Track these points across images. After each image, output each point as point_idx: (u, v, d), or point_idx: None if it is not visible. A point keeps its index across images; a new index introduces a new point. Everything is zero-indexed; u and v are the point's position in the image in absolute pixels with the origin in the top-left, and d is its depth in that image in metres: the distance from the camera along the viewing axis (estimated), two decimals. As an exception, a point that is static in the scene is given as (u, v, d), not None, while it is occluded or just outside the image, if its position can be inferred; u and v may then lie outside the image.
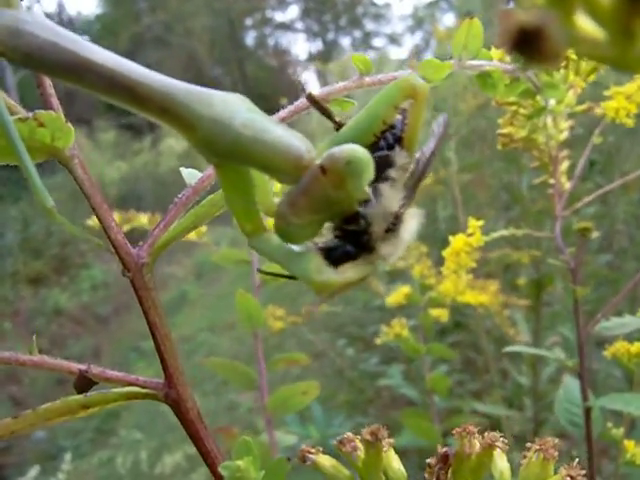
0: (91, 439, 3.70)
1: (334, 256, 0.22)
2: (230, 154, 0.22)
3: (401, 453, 1.19)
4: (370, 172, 0.20)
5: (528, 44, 0.12)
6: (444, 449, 0.31)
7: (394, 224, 0.22)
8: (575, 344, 0.59)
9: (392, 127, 0.22)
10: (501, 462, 0.32)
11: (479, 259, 1.14)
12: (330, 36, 25.78)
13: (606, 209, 1.77)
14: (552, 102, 0.44)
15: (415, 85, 0.22)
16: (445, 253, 0.64)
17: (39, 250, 6.51)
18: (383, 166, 0.22)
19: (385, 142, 0.22)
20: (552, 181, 0.59)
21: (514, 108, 0.48)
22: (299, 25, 25.82)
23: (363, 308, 2.30)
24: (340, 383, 2.52)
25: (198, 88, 0.24)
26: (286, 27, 26.03)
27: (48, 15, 16.35)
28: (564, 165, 0.59)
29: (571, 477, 0.30)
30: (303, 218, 0.21)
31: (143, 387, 0.32)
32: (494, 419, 1.21)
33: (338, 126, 0.25)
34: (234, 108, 0.23)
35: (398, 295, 1.11)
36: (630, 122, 0.56)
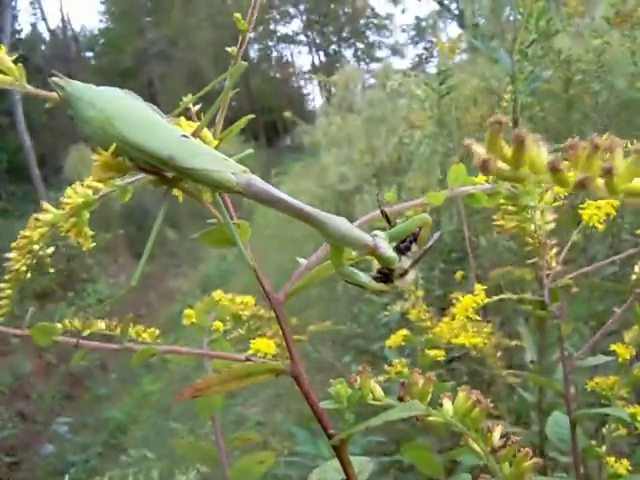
0: (99, 453, 3.70)
1: (377, 279, 0.45)
2: (340, 240, 0.45)
3: (408, 468, 1.18)
4: (392, 265, 0.44)
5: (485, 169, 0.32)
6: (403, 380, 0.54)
7: (403, 274, 0.44)
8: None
9: (414, 234, 0.44)
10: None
11: (480, 276, 1.13)
12: (333, 48, 25.91)
13: (612, 219, 1.77)
14: (533, 202, 0.57)
15: (427, 220, 0.44)
16: (456, 309, 0.79)
17: (45, 265, 6.52)
18: (407, 249, 0.45)
19: (410, 239, 0.44)
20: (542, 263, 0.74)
21: (503, 207, 0.62)
22: (302, 37, 25.96)
23: (369, 321, 2.30)
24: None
25: (328, 216, 0.46)
26: (289, 39, 26.16)
27: (53, 31, 16.38)
28: (552, 251, 0.75)
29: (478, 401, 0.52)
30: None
31: (280, 368, 0.52)
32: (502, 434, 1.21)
33: (390, 225, 0.46)
34: (338, 221, 0.46)
35: (397, 338, 1.20)
36: (601, 227, 0.74)
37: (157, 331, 0.89)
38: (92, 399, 4.55)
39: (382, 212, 0.46)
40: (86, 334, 0.72)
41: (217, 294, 1.06)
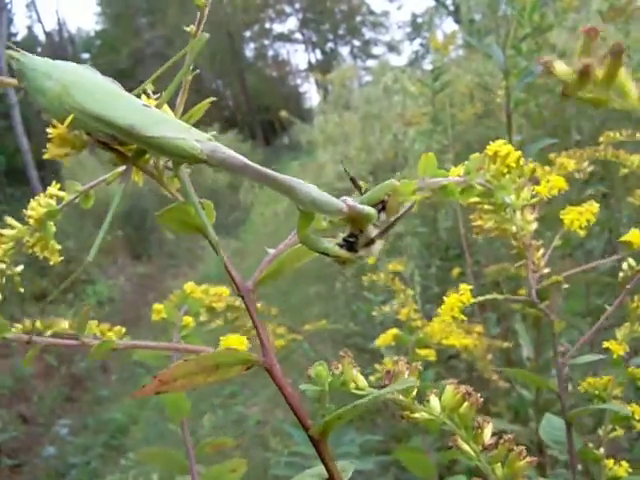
0: (101, 455, 3.70)
1: (341, 247, 0.43)
2: (312, 205, 0.43)
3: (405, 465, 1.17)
4: (372, 220, 0.42)
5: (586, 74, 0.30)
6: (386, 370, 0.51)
7: (369, 243, 0.42)
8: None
9: (382, 202, 0.42)
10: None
11: (477, 272, 1.13)
12: (329, 45, 25.89)
13: (609, 213, 1.77)
14: (509, 199, 0.54)
15: (395, 186, 0.43)
16: (441, 309, 0.76)
17: (44, 267, 6.53)
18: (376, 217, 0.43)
19: (379, 207, 0.42)
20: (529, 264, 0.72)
21: (480, 206, 0.59)
22: (298, 36, 25.93)
23: (367, 320, 2.30)
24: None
25: (296, 180, 0.44)
26: (285, 38, 26.13)
27: (49, 33, 16.34)
28: (539, 253, 0.73)
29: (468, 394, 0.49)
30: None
31: (250, 358, 0.48)
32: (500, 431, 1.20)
33: (361, 192, 0.44)
34: (309, 187, 0.44)
35: (387, 337, 1.18)
36: (582, 233, 0.73)
37: (123, 329, 0.87)
38: (93, 401, 4.55)
39: (352, 179, 0.44)
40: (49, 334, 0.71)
41: (189, 286, 1.00)
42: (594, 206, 0.74)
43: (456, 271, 1.57)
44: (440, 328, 0.82)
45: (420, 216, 2.13)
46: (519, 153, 0.52)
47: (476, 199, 0.53)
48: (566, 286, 0.73)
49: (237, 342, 0.83)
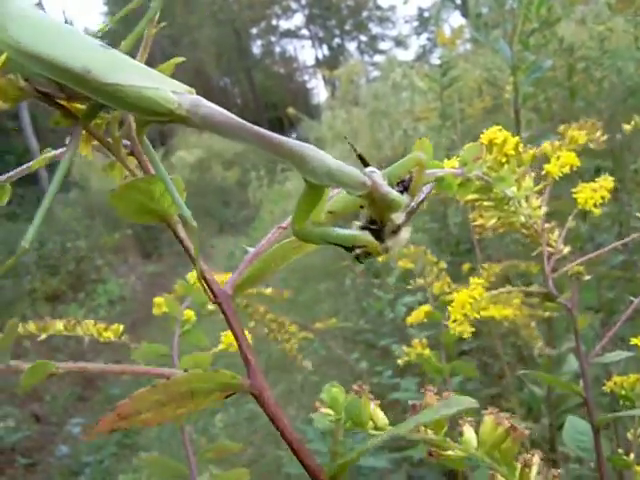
0: (114, 453, 3.71)
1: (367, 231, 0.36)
2: (327, 177, 0.35)
3: (420, 463, 1.17)
4: (398, 209, 0.35)
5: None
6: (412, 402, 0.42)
7: (396, 231, 0.35)
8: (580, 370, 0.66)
9: (403, 181, 0.36)
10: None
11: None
12: (336, 41, 25.83)
13: (619, 206, 1.76)
14: (511, 191, 0.49)
15: (420, 160, 0.35)
16: (451, 308, 0.73)
17: (55, 267, 6.55)
18: None
19: (400, 188, 0.36)
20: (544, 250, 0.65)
21: (478, 203, 0.53)
22: (305, 32, 25.90)
23: (378, 317, 2.30)
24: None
25: (306, 146, 0.36)
26: (292, 34, 26.09)
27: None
28: (554, 235, 0.65)
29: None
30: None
31: (233, 381, 0.39)
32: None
33: (365, 164, 0.36)
34: (323, 154, 0.36)
35: (419, 314, 1.10)
36: (597, 211, 0.68)
37: (121, 327, 0.84)
38: (105, 400, 4.56)
39: (359, 157, 0.36)
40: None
41: (192, 276, 0.92)
42: (608, 180, 0.69)
43: (467, 266, 1.57)
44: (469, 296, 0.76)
45: (430, 212, 2.12)
46: (517, 139, 0.47)
47: (474, 196, 0.48)
48: (587, 277, 0.70)
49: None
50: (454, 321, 0.72)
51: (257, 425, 3.12)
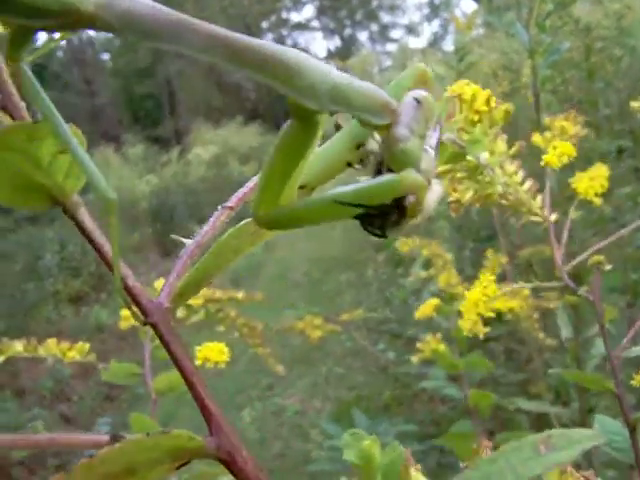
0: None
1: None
2: (330, 98, 0.24)
3: (450, 451, 1.16)
4: (414, 163, 0.23)
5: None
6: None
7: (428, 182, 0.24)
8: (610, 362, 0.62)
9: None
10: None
11: (515, 253, 1.11)
12: (347, 32, 25.76)
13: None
14: (484, 157, 0.43)
15: (426, 72, 0.26)
16: (462, 307, 0.68)
17: (77, 269, 6.59)
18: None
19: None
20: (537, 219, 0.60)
21: (450, 175, 0.45)
22: (315, 24, 25.84)
23: (402, 306, 2.29)
24: (384, 380, 2.52)
25: (288, 48, 0.25)
26: (303, 27, 26.03)
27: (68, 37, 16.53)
28: (537, 201, 0.57)
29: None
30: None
31: (190, 445, 0.27)
32: (541, 412, 1.20)
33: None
34: (321, 63, 0.25)
35: (427, 308, 1.08)
36: (598, 201, 0.66)
37: (87, 346, 0.78)
38: (131, 399, 4.59)
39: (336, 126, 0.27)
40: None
41: (159, 283, 0.83)
42: (602, 168, 0.69)
43: (490, 253, 1.56)
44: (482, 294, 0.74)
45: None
46: (488, 92, 0.40)
47: (446, 166, 0.40)
48: (609, 267, 0.68)
49: (216, 352, 0.73)
50: (467, 320, 0.68)
51: (284, 418, 3.13)
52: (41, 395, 4.52)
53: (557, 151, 0.63)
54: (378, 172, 0.24)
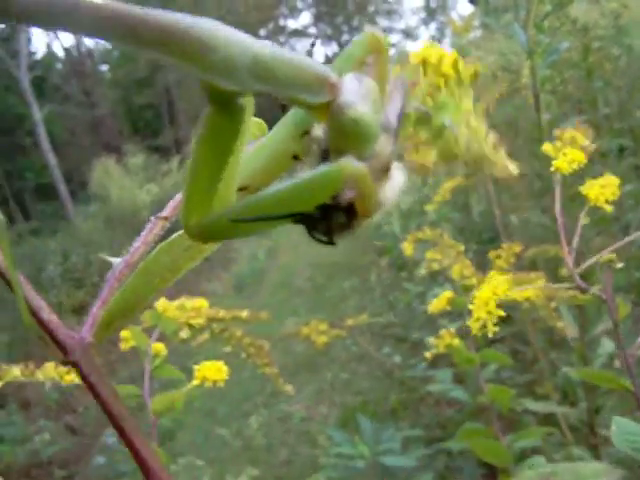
0: (149, 461, 3.74)
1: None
2: (251, 73, 0.19)
3: (458, 454, 1.16)
4: (376, 130, 0.19)
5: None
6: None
7: (385, 169, 0.20)
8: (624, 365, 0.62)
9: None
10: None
11: (518, 254, 1.11)
12: (345, 38, 25.80)
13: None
14: (449, 121, 0.39)
15: (380, 40, 0.22)
16: (472, 306, 0.68)
17: (80, 280, 6.60)
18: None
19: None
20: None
21: (414, 139, 0.41)
22: (313, 30, 25.90)
23: (406, 310, 2.29)
24: (390, 385, 2.52)
25: (197, 17, 0.19)
26: (300, 33, 26.10)
27: (67, 49, 16.50)
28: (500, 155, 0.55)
29: None
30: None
31: None
32: (549, 413, 1.20)
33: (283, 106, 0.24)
34: (239, 33, 0.20)
35: (440, 301, 1.05)
36: (609, 209, 0.66)
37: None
38: (137, 407, 4.60)
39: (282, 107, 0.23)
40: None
41: (161, 304, 0.83)
42: (613, 179, 0.70)
43: (493, 254, 1.56)
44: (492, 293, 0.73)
45: (451, 201, 2.11)
46: (455, 54, 0.36)
47: (409, 131, 0.35)
48: (620, 265, 0.68)
49: (214, 371, 0.73)
50: (477, 319, 0.68)
51: (290, 425, 3.13)
52: (47, 407, 4.52)
53: (567, 157, 0.64)
54: (324, 161, 0.20)
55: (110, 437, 4.39)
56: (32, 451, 3.63)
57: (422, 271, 1.21)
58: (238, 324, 0.99)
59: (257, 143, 0.24)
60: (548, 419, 1.32)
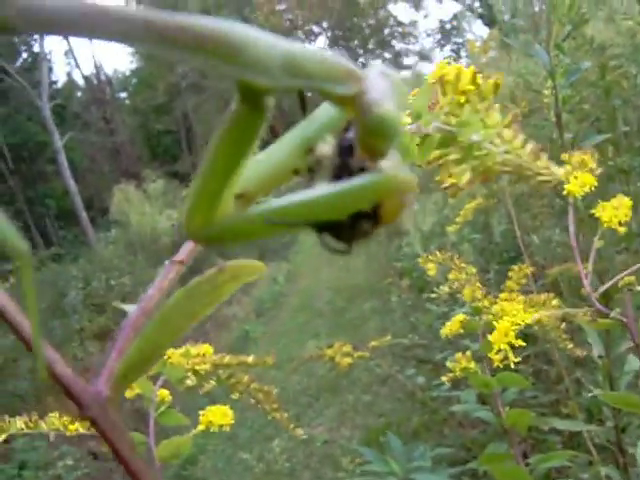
0: (172, 487, 3.73)
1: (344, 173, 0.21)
2: (283, 69, 0.20)
3: (483, 475, 1.15)
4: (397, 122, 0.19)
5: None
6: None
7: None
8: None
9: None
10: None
11: (539, 273, 1.10)
12: (360, 60, 25.97)
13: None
14: (478, 135, 0.38)
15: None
16: (492, 337, 0.69)
17: (101, 305, 6.64)
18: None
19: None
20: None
21: (442, 161, 0.40)
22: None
23: (428, 331, 2.29)
24: (412, 406, 2.50)
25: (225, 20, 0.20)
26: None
27: (87, 77, 16.71)
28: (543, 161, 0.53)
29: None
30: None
31: None
32: (575, 432, 1.19)
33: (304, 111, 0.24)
34: (267, 33, 0.20)
35: (453, 324, 1.05)
36: (622, 229, 0.68)
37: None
38: (159, 432, 4.59)
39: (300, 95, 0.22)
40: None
41: (195, 349, 0.82)
42: (626, 200, 0.71)
43: (513, 272, 1.55)
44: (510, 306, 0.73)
45: (472, 222, 2.11)
46: (472, 69, 0.36)
47: (436, 152, 0.37)
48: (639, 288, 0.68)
49: (220, 416, 0.72)
50: (498, 351, 0.68)
51: (313, 448, 3.11)
52: (70, 432, 4.53)
53: (579, 181, 0.66)
54: (337, 178, 0.20)
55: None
56: (55, 476, 3.64)
57: (441, 292, 1.21)
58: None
59: (260, 154, 0.24)
60: (574, 438, 1.31)
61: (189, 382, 0.85)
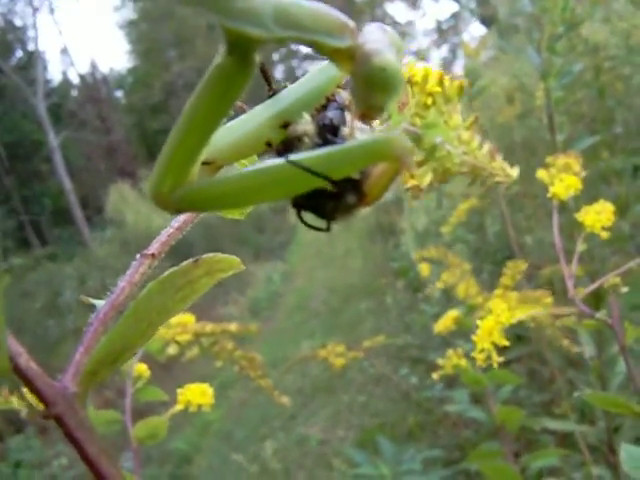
0: (167, 486, 3.73)
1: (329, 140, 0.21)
2: (275, 19, 0.19)
3: (476, 475, 1.16)
4: (401, 76, 0.19)
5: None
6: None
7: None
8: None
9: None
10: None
11: (531, 274, 1.11)
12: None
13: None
14: (440, 138, 0.39)
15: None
16: (475, 337, 0.68)
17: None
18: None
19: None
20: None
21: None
22: (326, 53, 26.05)
23: (422, 331, 2.29)
24: (407, 406, 2.51)
25: None
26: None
27: (83, 76, 16.69)
28: (497, 162, 0.53)
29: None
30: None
31: None
32: (567, 432, 1.19)
33: (272, 92, 0.24)
34: None
35: (446, 321, 1.06)
36: (605, 235, 0.67)
37: None
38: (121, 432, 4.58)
39: (261, 66, 0.22)
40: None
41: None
42: (607, 205, 0.70)
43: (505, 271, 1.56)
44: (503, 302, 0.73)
45: (466, 223, 2.12)
46: (440, 71, 0.34)
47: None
48: (625, 289, 0.68)
49: (198, 394, 0.69)
50: (481, 351, 0.67)
51: (307, 448, 3.11)
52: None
53: (563, 183, 0.67)
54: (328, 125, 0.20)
55: (127, 461, 4.39)
56: (50, 475, 3.63)
57: (434, 290, 1.22)
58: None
59: (233, 122, 0.23)
60: (566, 438, 1.32)
61: (171, 351, 0.83)
